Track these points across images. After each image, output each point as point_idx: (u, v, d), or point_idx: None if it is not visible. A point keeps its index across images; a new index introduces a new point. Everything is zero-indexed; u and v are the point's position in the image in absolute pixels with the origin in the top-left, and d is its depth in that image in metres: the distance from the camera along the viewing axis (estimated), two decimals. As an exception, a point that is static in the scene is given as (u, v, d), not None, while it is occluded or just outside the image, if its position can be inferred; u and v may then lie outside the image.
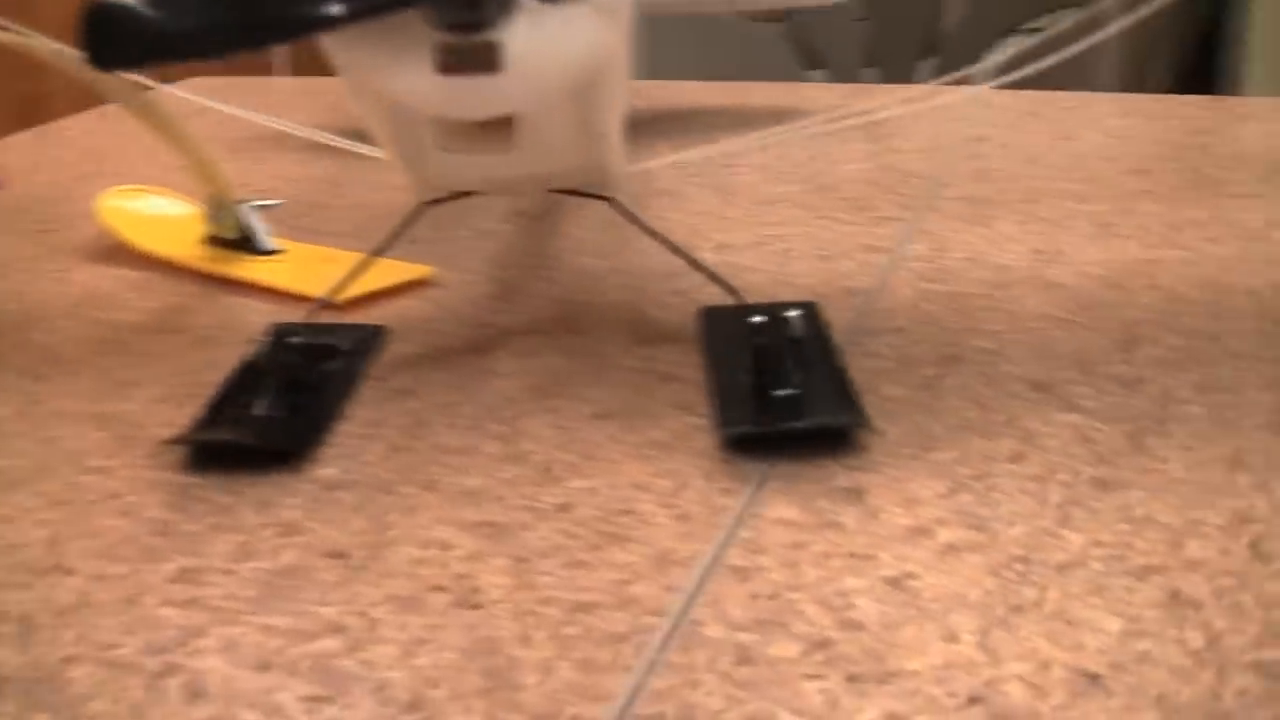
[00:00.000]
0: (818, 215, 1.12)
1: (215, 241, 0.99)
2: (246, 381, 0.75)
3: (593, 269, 0.99)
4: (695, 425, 0.74)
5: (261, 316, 0.88)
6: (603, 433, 0.73)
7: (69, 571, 0.61)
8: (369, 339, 0.84)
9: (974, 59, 1.92)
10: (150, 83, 0.93)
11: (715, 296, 0.88)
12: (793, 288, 0.94)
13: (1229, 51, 2.44)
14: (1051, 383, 0.78)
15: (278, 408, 0.72)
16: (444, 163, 0.71)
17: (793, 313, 0.78)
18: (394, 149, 0.73)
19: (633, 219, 0.82)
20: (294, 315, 0.85)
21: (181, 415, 0.75)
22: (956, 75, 1.00)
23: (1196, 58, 2.49)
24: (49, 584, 0.60)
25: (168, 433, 0.72)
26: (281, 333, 0.76)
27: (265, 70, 1.72)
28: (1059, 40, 0.91)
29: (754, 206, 1.14)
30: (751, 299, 0.82)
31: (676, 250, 0.83)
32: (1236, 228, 1.08)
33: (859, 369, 0.78)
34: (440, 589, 0.59)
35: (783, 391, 0.75)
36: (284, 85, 1.73)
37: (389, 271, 0.93)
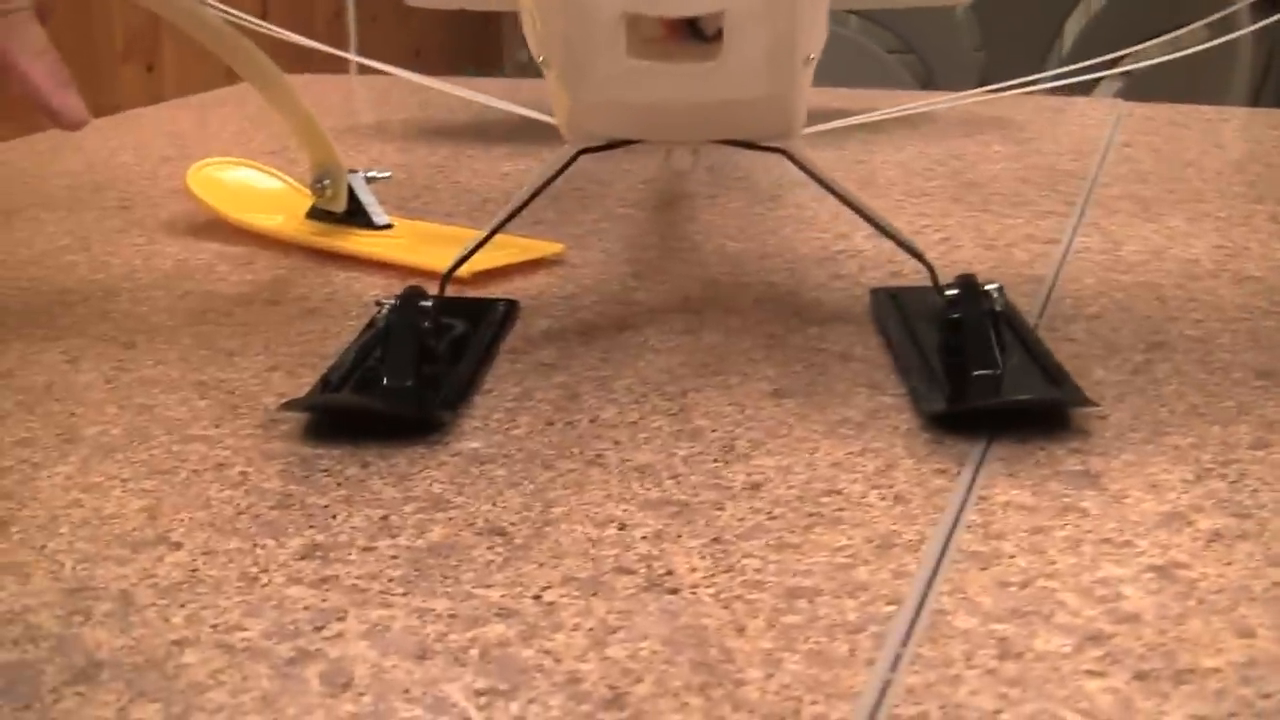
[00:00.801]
0: (972, 209, 1.03)
1: (319, 215, 0.89)
2: (371, 349, 0.65)
3: (736, 251, 0.90)
4: (888, 404, 0.65)
5: (375, 290, 0.79)
6: (785, 410, 0.63)
7: (175, 545, 0.51)
8: (502, 312, 0.74)
9: (1087, 91, 1.88)
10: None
11: (877, 279, 0.84)
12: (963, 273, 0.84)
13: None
14: (1277, 371, 0.70)
15: (408, 376, 0.62)
16: (628, 78, 0.61)
17: (991, 287, 0.67)
18: (569, 66, 0.63)
19: (813, 174, 0.71)
20: (388, 287, 0.78)
21: (294, 385, 0.66)
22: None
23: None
24: (152, 558, 0.50)
25: (278, 402, 0.62)
26: (410, 301, 0.65)
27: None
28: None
29: (902, 198, 1.05)
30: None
31: (863, 212, 0.73)
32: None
33: (1060, 353, 0.70)
34: (625, 571, 0.49)
35: (983, 370, 0.65)
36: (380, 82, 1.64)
37: (518, 248, 0.84)
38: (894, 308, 0.77)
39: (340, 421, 0.61)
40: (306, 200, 0.92)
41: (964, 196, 1.07)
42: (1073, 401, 0.63)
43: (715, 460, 0.59)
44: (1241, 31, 0.83)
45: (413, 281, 0.69)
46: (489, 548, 0.51)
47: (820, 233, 0.95)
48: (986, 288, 0.70)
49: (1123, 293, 0.82)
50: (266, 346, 0.72)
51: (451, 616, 0.47)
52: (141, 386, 0.67)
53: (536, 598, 0.48)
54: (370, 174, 0.89)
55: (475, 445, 0.60)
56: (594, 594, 0.48)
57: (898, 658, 0.45)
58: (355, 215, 0.89)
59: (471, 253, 0.71)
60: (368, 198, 0.88)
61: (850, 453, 0.60)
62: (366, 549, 0.51)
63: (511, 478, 0.57)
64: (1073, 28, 2.60)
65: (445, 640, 0.45)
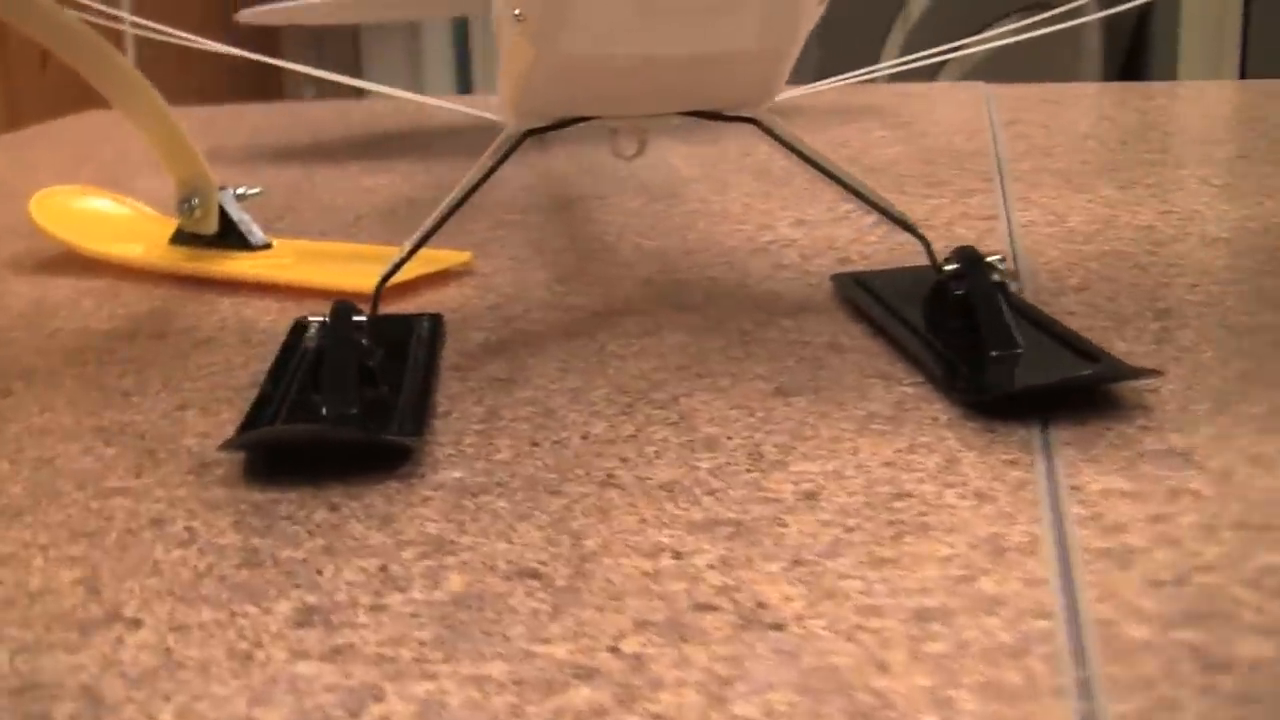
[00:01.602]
0: (888, 191, 0.94)
1: (186, 239, 0.78)
2: (299, 375, 0.55)
3: (657, 249, 0.82)
4: (910, 394, 0.58)
5: (270, 316, 0.68)
6: (799, 409, 0.55)
7: (133, 622, 0.40)
8: (428, 328, 0.64)
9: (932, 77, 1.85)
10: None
11: (827, 266, 0.77)
12: (916, 254, 0.77)
13: (1159, 43, 2.41)
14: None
15: (352, 402, 0.52)
16: (628, 23, 0.52)
17: (994, 258, 0.60)
18: (554, 13, 0.54)
19: (786, 142, 0.63)
20: (303, 311, 0.67)
21: (214, 423, 0.55)
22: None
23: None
24: (108, 640, 0.39)
25: (202, 444, 0.52)
26: (342, 318, 0.56)
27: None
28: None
29: (807, 185, 0.96)
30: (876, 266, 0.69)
31: (850, 185, 0.65)
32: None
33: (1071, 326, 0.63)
34: (707, 608, 0.40)
35: (1003, 350, 0.58)
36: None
37: (425, 259, 0.74)
38: (864, 292, 0.70)
39: (284, 459, 0.51)
40: (163, 226, 0.81)
41: (873, 180, 0.99)
42: (1135, 375, 0.56)
43: (748, 470, 0.50)
44: (1094, 16, 0.78)
45: (303, 304, 0.59)
46: (527, 594, 0.41)
47: (738, 225, 0.87)
48: (989, 259, 0.62)
49: (1095, 262, 0.76)
50: (166, 383, 0.61)
51: (517, 683, 0.36)
52: (32, 437, 0.55)
53: (613, 649, 0.38)
54: (240, 191, 0.78)
55: (457, 474, 0.50)
56: (682, 639, 0.39)
57: (1086, 682, 0.36)
58: (228, 237, 0.77)
59: (404, 261, 0.61)
60: (241, 216, 0.77)
61: (899, 450, 0.52)
62: (375, 608, 0.41)
63: (517, 509, 0.47)
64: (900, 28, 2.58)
65: (524, 714, 0.35)
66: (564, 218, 0.93)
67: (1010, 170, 1.02)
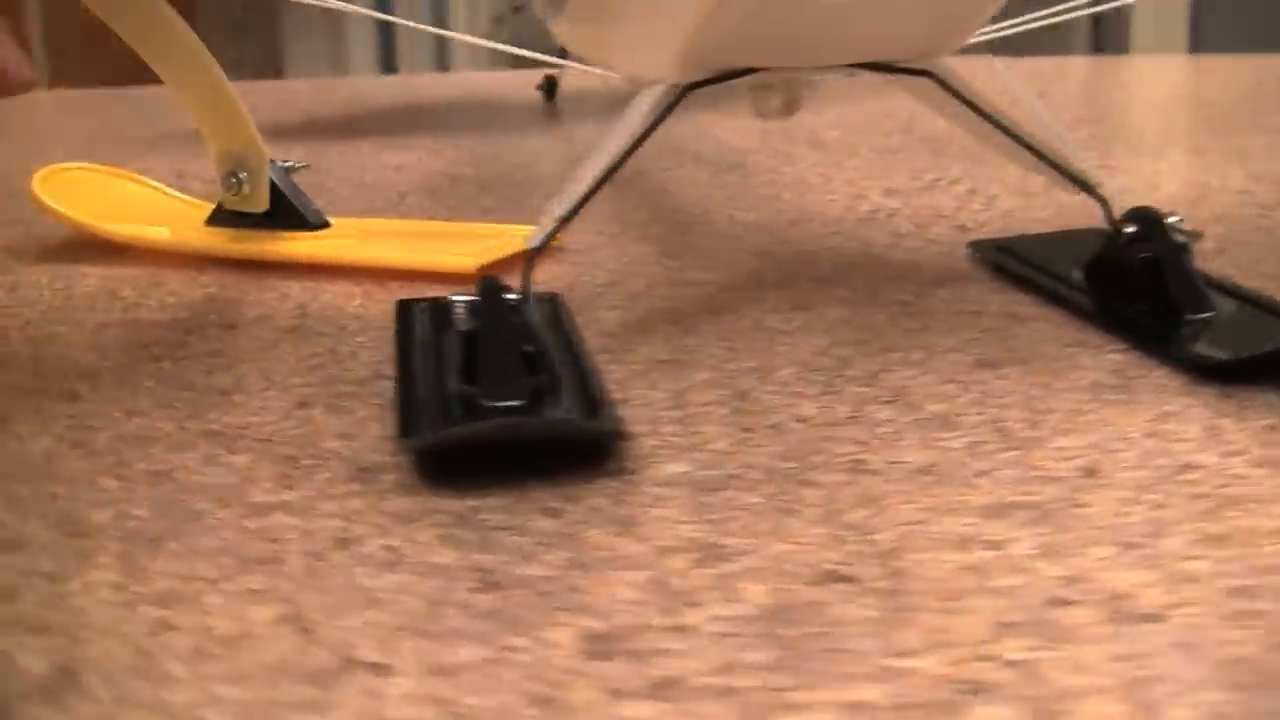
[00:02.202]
0: (963, 160, 0.90)
1: (227, 218, 0.70)
2: (438, 364, 0.48)
3: (757, 221, 0.76)
4: (1122, 361, 0.53)
5: (351, 300, 0.62)
6: (1015, 381, 0.51)
7: (379, 667, 0.33)
8: (549, 308, 0.57)
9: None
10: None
11: (946, 235, 0.73)
12: (1035, 221, 0.73)
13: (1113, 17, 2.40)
14: None
15: (514, 391, 0.45)
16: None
17: (1174, 219, 0.56)
18: None
19: (968, 99, 0.58)
20: (391, 295, 0.62)
21: (352, 424, 0.49)
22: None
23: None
24: (359, 692, 0.32)
25: (349, 447, 0.45)
26: (496, 298, 0.49)
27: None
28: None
29: (874, 155, 0.91)
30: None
31: (1029, 143, 0.59)
32: None
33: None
34: (1062, 602, 0.34)
35: (1198, 314, 0.55)
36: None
37: (512, 236, 0.68)
38: (1015, 259, 0.65)
39: (454, 460, 0.44)
40: (190, 206, 0.74)
41: (944, 150, 0.95)
42: None
43: (1005, 448, 0.45)
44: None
45: (388, 286, 0.58)
46: (845, 600, 0.35)
47: (827, 195, 0.82)
48: (1170, 220, 0.57)
49: (1218, 225, 0.71)
50: (269, 379, 0.54)
51: (903, 707, 0.30)
52: (132, 447, 0.48)
53: (989, 658, 0.32)
54: (288, 164, 0.71)
55: (680, 468, 0.44)
56: (1059, 639, 0.33)
57: None
58: (279, 215, 0.70)
59: (561, 226, 0.55)
60: (296, 191, 0.70)
61: (1150, 420, 0.47)
62: (673, 629, 0.34)
63: (774, 504, 0.41)
64: None
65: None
66: (634, 190, 0.86)
67: (1077, 139, 0.98)
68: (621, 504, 0.42)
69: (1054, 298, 0.60)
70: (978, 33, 0.59)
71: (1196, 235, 0.57)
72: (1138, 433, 0.46)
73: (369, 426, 0.48)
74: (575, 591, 0.36)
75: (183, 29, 0.63)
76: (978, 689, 0.31)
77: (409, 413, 0.47)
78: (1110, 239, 0.59)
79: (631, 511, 0.41)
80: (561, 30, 0.82)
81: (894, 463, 0.44)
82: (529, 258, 0.53)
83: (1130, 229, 0.58)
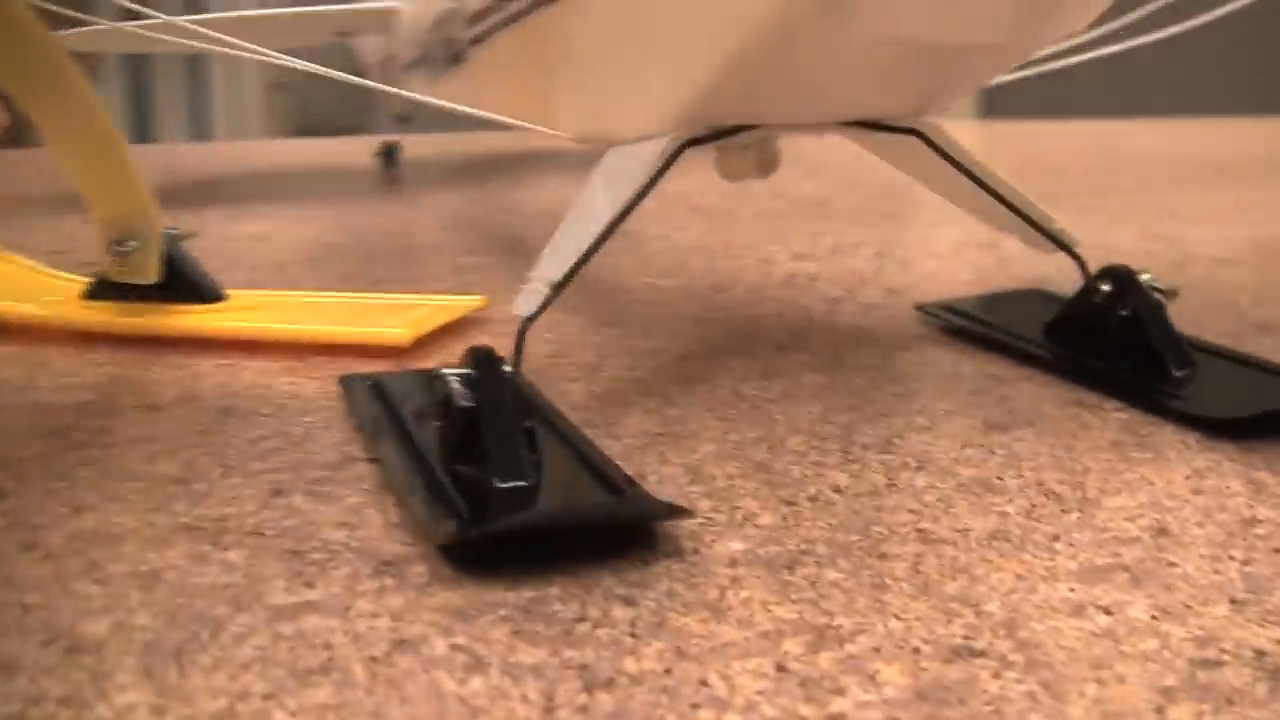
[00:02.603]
0: (853, 224, 0.90)
1: (111, 291, 0.65)
2: (433, 444, 0.45)
3: (681, 287, 0.74)
4: (1128, 419, 0.53)
5: (276, 377, 0.59)
6: (1033, 443, 0.51)
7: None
8: (504, 383, 0.53)
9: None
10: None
11: (878, 296, 0.73)
12: (956, 283, 0.73)
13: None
14: None
15: (521, 471, 0.43)
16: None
17: (1146, 277, 0.56)
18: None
19: (954, 158, 0.57)
20: (318, 371, 0.60)
21: (345, 511, 0.45)
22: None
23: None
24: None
25: (356, 537, 0.43)
26: (493, 370, 0.46)
27: None
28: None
29: (765, 221, 0.91)
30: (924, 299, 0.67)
31: (1011, 204, 0.59)
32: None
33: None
34: (1214, 663, 0.33)
35: (1181, 369, 0.56)
36: None
37: (440, 306, 0.65)
38: (972, 321, 0.65)
39: (486, 552, 0.41)
40: (54, 279, 0.68)
41: (828, 215, 0.95)
42: None
43: (1064, 510, 0.44)
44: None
45: (312, 362, 0.56)
46: (993, 676, 0.33)
47: (737, 260, 0.81)
48: (1143, 277, 0.58)
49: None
50: (224, 465, 0.50)
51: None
52: (100, 547, 0.43)
53: (1176, 734, 0.31)
54: (173, 230, 0.66)
55: (740, 545, 0.42)
56: (1225, 700, 0.32)
57: None
58: (171, 288, 0.65)
59: (557, 293, 0.52)
60: (192, 261, 0.65)
61: (1188, 477, 0.47)
62: (827, 719, 0.32)
63: (858, 579, 0.39)
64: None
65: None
66: (530, 258, 0.84)
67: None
68: (695, 587, 0.39)
69: (1025, 357, 0.60)
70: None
71: (1173, 293, 0.57)
72: (1184, 490, 0.45)
73: (367, 514, 0.45)
74: (701, 685, 0.33)
75: (75, 77, 0.59)
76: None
77: (432, 500, 0.44)
78: (1080, 296, 0.59)
79: (712, 595, 0.38)
80: (457, 88, 0.80)
81: (960, 530, 0.42)
82: (523, 328, 0.50)
83: (1106, 287, 0.57)
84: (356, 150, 1.44)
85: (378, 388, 0.55)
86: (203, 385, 0.59)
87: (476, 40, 0.75)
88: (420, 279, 0.77)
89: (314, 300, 0.69)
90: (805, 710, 0.32)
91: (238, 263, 0.80)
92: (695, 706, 0.33)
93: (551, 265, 0.52)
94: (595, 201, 0.54)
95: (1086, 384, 0.56)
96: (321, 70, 0.61)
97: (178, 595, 0.39)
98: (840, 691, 0.33)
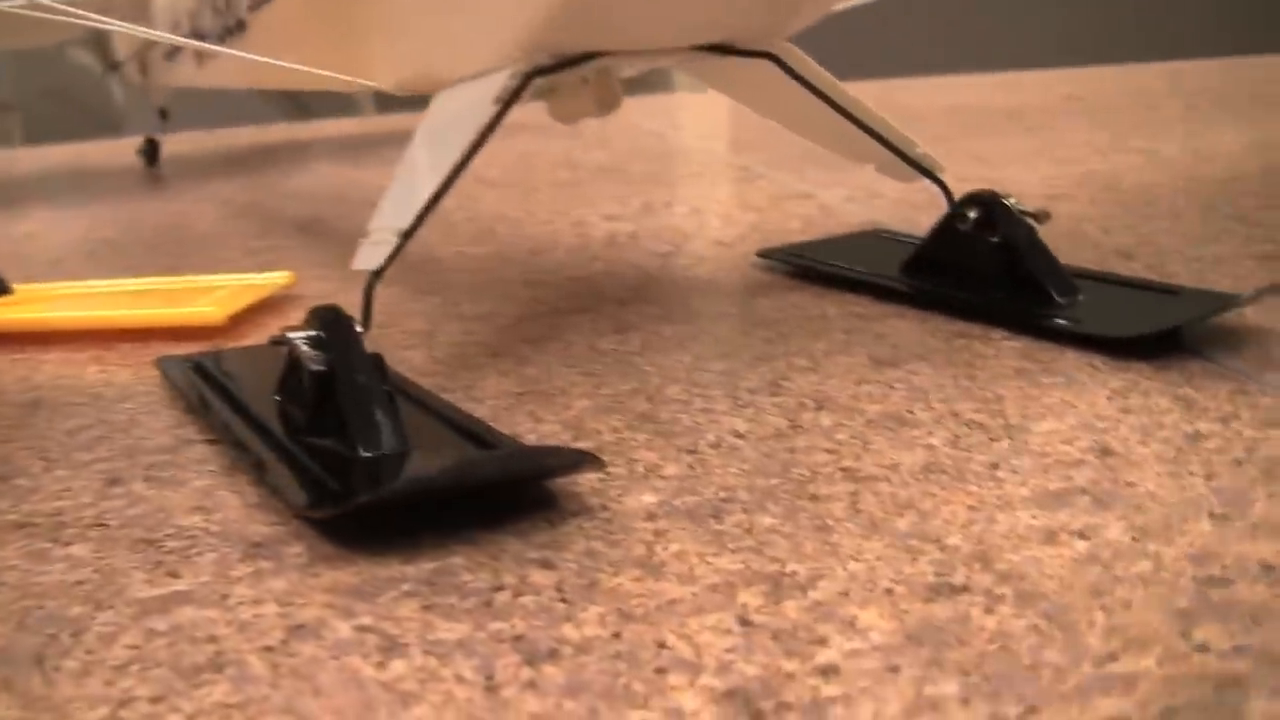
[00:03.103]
0: (653, 186, 0.87)
1: None
2: (301, 408, 0.40)
3: (494, 254, 0.70)
4: (1024, 347, 0.51)
5: (79, 368, 0.54)
6: (929, 376, 0.49)
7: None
8: (356, 344, 0.48)
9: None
10: None
11: (705, 247, 0.69)
12: (796, 233, 0.71)
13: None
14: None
15: (391, 440, 0.38)
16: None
17: (1011, 201, 0.54)
18: None
19: (808, 81, 0.54)
20: (126, 358, 0.54)
21: (196, 495, 0.40)
22: None
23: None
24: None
25: (211, 521, 0.37)
26: (343, 330, 0.41)
27: None
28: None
29: (559, 189, 0.87)
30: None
31: (866, 125, 0.56)
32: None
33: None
34: (1219, 581, 0.31)
35: (1068, 296, 0.54)
36: None
37: (249, 285, 0.60)
38: (821, 263, 0.62)
39: (363, 524, 0.36)
40: None
41: (623, 180, 0.92)
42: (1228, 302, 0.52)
43: (992, 439, 0.41)
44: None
45: (117, 348, 0.52)
46: (987, 612, 0.30)
47: (548, 225, 0.77)
48: (1008, 201, 0.55)
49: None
50: (46, 458, 0.44)
51: (1176, 713, 0.25)
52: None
53: (1204, 649, 0.28)
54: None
55: (653, 498, 0.38)
56: (1252, 617, 0.29)
57: None
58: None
59: (404, 241, 0.46)
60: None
61: (1109, 396, 0.45)
62: (819, 672, 0.28)
63: (796, 522, 0.36)
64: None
65: None
66: (316, 235, 0.78)
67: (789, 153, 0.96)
68: (617, 544, 0.35)
69: (886, 294, 0.57)
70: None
71: (1045, 215, 0.55)
72: (1112, 410, 0.43)
73: (220, 497, 0.39)
74: (660, 648, 0.29)
75: None
76: (1225, 681, 0.26)
77: (294, 474, 0.38)
78: (943, 226, 0.57)
79: (639, 551, 0.34)
80: (234, 65, 0.74)
81: (888, 466, 0.39)
82: (371, 282, 0.45)
83: (973, 214, 0.55)
84: (109, 152, 1.35)
85: (201, 368, 0.49)
86: (1, 380, 0.52)
87: (258, 4, 0.69)
88: (213, 264, 0.71)
89: (109, 289, 0.62)
90: (789, 665, 0.28)
91: (8, 259, 0.72)
92: (661, 671, 0.28)
93: (396, 214, 0.47)
94: (433, 146, 0.49)
95: (962, 316, 0.53)
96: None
97: (23, 597, 0.33)
98: (821, 641, 0.29)
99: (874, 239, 0.66)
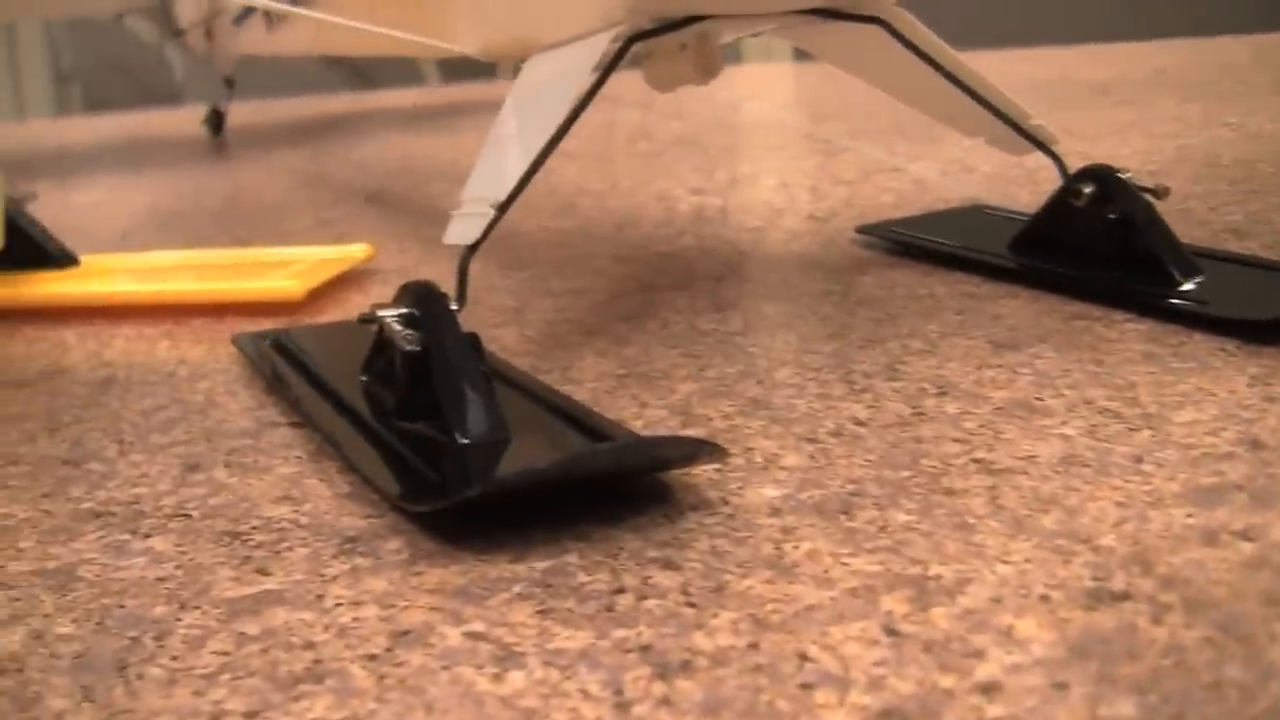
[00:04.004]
0: (738, 159, 0.85)
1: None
2: (390, 390, 0.38)
3: (577, 228, 0.68)
4: (1150, 330, 0.48)
5: (153, 344, 0.52)
6: (1057, 360, 0.46)
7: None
8: (452, 322, 0.46)
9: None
10: None
11: (799, 223, 0.66)
12: (891, 208, 0.68)
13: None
14: None
15: (492, 426, 0.36)
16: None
17: (1127, 175, 0.51)
18: None
19: (920, 48, 0.51)
20: (199, 334, 0.53)
21: (278, 485, 0.38)
22: None
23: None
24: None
25: (298, 511, 0.36)
26: (439, 307, 0.38)
27: None
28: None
29: (640, 161, 0.85)
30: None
31: (981, 95, 0.53)
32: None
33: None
34: None
35: (1190, 276, 0.50)
36: None
37: (329, 258, 0.58)
38: (928, 240, 0.59)
39: (467, 518, 0.34)
40: None
41: (707, 151, 0.89)
42: None
43: (1130, 429, 0.39)
44: None
45: (179, 325, 0.50)
46: (1156, 623, 0.28)
47: (632, 199, 0.75)
48: (1123, 175, 0.52)
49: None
50: (120, 441, 0.42)
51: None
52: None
53: None
54: (14, 194, 0.57)
55: (776, 491, 0.35)
56: None
57: None
58: (15, 254, 0.56)
59: (501, 214, 0.44)
60: (34, 225, 0.56)
61: (1249, 384, 0.42)
62: (978, 690, 0.26)
63: (934, 520, 0.33)
64: None
65: None
66: (392, 208, 0.76)
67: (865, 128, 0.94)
68: (743, 543, 0.32)
69: (995, 273, 0.54)
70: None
71: (1164, 190, 0.52)
72: (1255, 398, 0.40)
73: (308, 485, 0.37)
74: (802, 660, 0.27)
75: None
76: None
77: (389, 463, 0.36)
78: (1056, 202, 0.54)
79: (767, 550, 0.32)
80: (304, 30, 0.72)
81: (1024, 458, 0.36)
82: (466, 256, 0.43)
83: (1088, 189, 0.52)
84: (170, 122, 1.34)
85: (280, 345, 0.47)
86: (71, 356, 0.51)
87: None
88: (285, 236, 0.69)
89: (178, 261, 0.60)
90: (946, 681, 0.26)
91: (74, 231, 0.71)
92: (806, 687, 0.26)
93: (490, 185, 0.44)
94: (528, 115, 0.46)
95: (1077, 296, 0.51)
96: None
97: (102, 594, 0.31)
98: (978, 654, 0.27)
99: (977, 215, 0.63)
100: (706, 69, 0.51)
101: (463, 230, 0.44)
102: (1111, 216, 0.52)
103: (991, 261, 0.55)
